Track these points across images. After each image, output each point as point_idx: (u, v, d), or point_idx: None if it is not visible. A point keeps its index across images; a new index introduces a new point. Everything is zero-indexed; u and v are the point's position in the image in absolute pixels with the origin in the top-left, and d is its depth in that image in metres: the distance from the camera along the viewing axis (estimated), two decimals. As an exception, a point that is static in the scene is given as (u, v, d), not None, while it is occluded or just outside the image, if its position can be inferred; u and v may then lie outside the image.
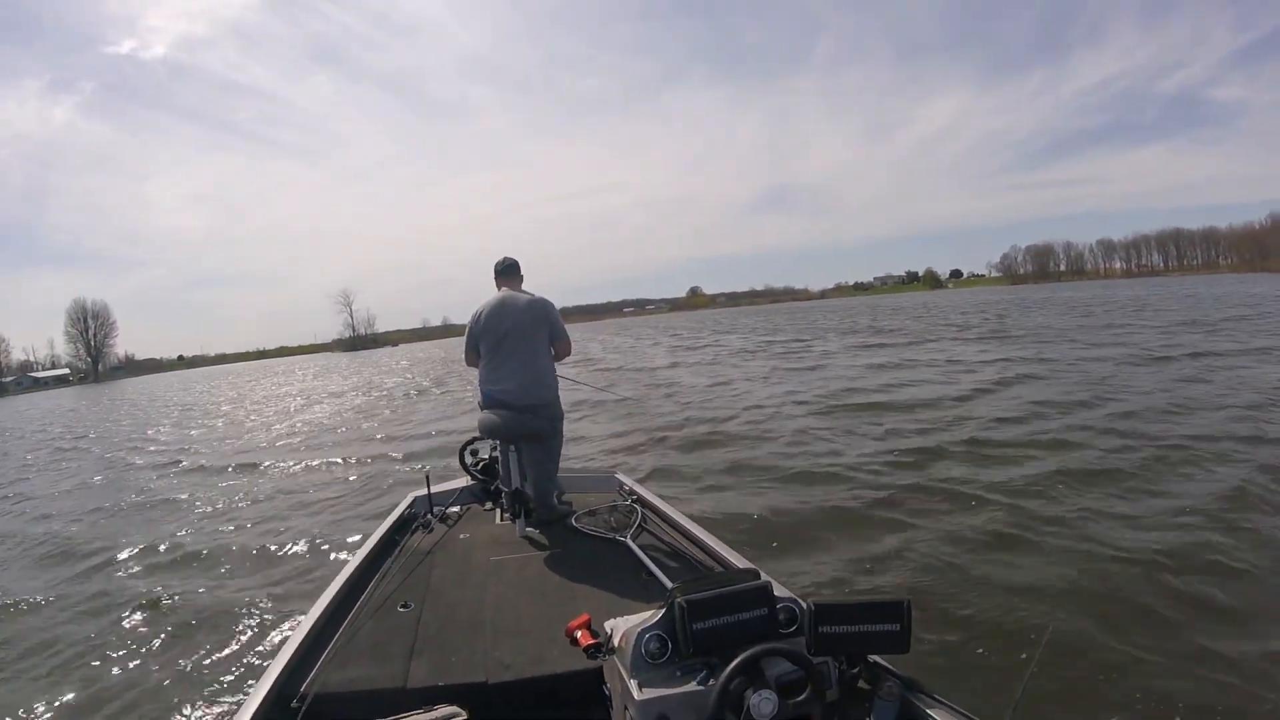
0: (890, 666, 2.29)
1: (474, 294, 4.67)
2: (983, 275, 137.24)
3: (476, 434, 4.82)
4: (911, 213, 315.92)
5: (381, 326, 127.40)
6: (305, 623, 2.83)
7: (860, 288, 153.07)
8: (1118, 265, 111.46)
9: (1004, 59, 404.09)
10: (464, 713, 2.15)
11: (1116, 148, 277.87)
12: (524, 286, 4.54)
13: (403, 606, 3.04)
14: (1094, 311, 35.24)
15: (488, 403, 4.28)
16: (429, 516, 4.29)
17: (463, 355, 4.61)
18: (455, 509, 4.49)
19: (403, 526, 4.23)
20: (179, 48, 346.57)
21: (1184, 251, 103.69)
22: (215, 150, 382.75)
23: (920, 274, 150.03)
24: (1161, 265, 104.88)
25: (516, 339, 4.26)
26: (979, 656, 4.17)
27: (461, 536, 4.04)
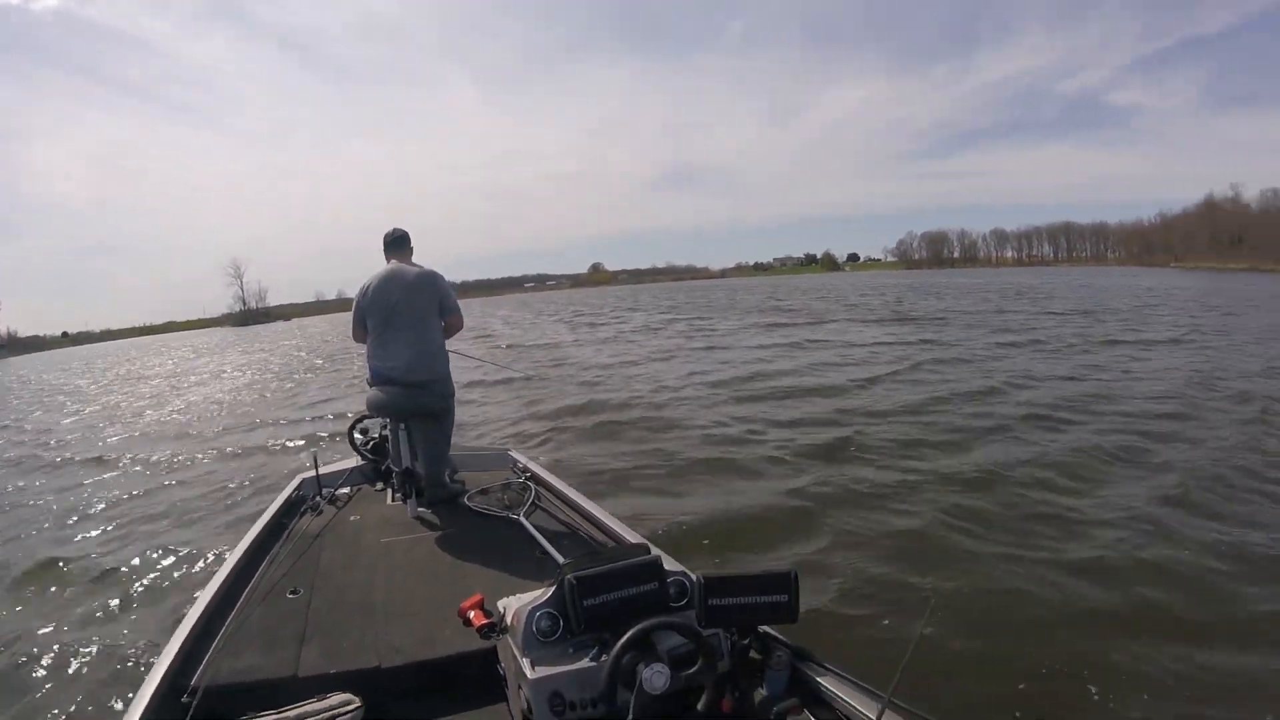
0: (780, 636, 2.34)
1: (370, 266, 4.48)
2: (879, 260, 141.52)
3: (366, 413, 4.70)
4: (812, 196, 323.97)
5: (274, 299, 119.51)
6: (192, 613, 2.71)
7: (760, 268, 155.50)
8: (1009, 254, 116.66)
9: (912, 50, 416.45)
10: (357, 699, 2.12)
11: (1015, 143, 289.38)
12: (417, 259, 4.40)
13: (292, 593, 2.95)
14: (990, 298, 36.70)
15: (376, 380, 4.17)
16: (317, 499, 4.15)
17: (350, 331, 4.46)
18: (345, 490, 4.35)
19: (290, 510, 4.08)
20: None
21: (1074, 244, 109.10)
22: (105, 110, 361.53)
23: (819, 256, 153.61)
24: (1051, 256, 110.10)
25: (405, 313, 4.13)
26: (868, 627, 4.35)
27: (351, 518, 3.94)
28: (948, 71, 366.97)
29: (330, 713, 2.05)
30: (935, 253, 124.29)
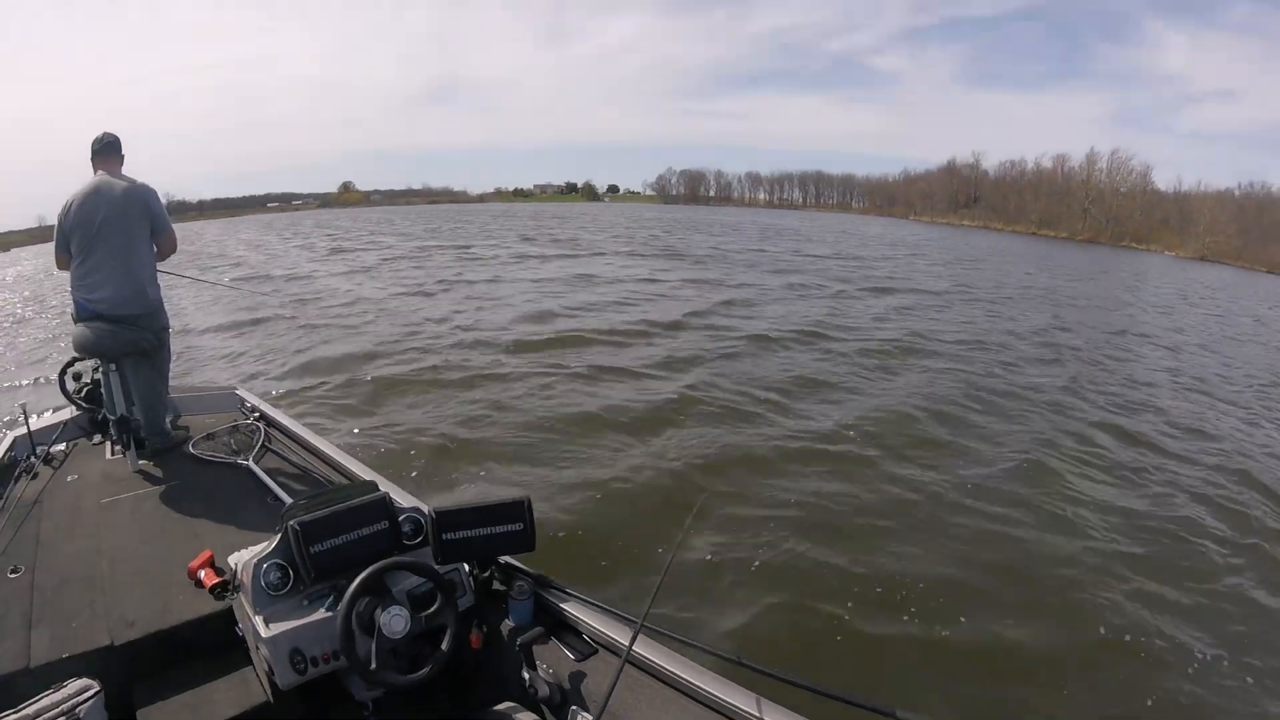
0: (521, 565, 2.39)
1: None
2: (638, 192, 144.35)
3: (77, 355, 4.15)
4: (575, 124, 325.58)
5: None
6: None
7: (520, 194, 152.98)
8: (762, 196, 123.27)
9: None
10: (95, 684, 1.97)
11: (778, 91, 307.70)
12: (141, 173, 3.88)
13: (13, 572, 2.65)
14: (771, 238, 39.02)
15: (82, 314, 3.69)
16: (32, 459, 3.68)
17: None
18: (61, 447, 3.88)
19: (2, 475, 3.58)
20: None
21: (822, 191, 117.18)
22: None
23: (579, 186, 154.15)
24: (801, 201, 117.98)
25: (113, 235, 3.67)
26: (615, 553, 4.59)
27: (69, 479, 3.54)
28: (725, 15, 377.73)
29: (69, 703, 1.91)
30: (692, 190, 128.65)
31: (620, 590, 4.04)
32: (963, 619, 4.15)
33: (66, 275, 3.78)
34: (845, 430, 6.92)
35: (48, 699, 1.91)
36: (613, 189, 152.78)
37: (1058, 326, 14.26)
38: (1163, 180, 73.76)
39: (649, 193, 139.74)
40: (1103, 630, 4.15)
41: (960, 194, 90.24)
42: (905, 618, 4.15)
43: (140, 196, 3.78)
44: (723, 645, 2.00)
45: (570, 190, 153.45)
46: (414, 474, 5.65)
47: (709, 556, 4.53)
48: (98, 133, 3.86)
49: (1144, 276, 32.29)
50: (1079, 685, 3.73)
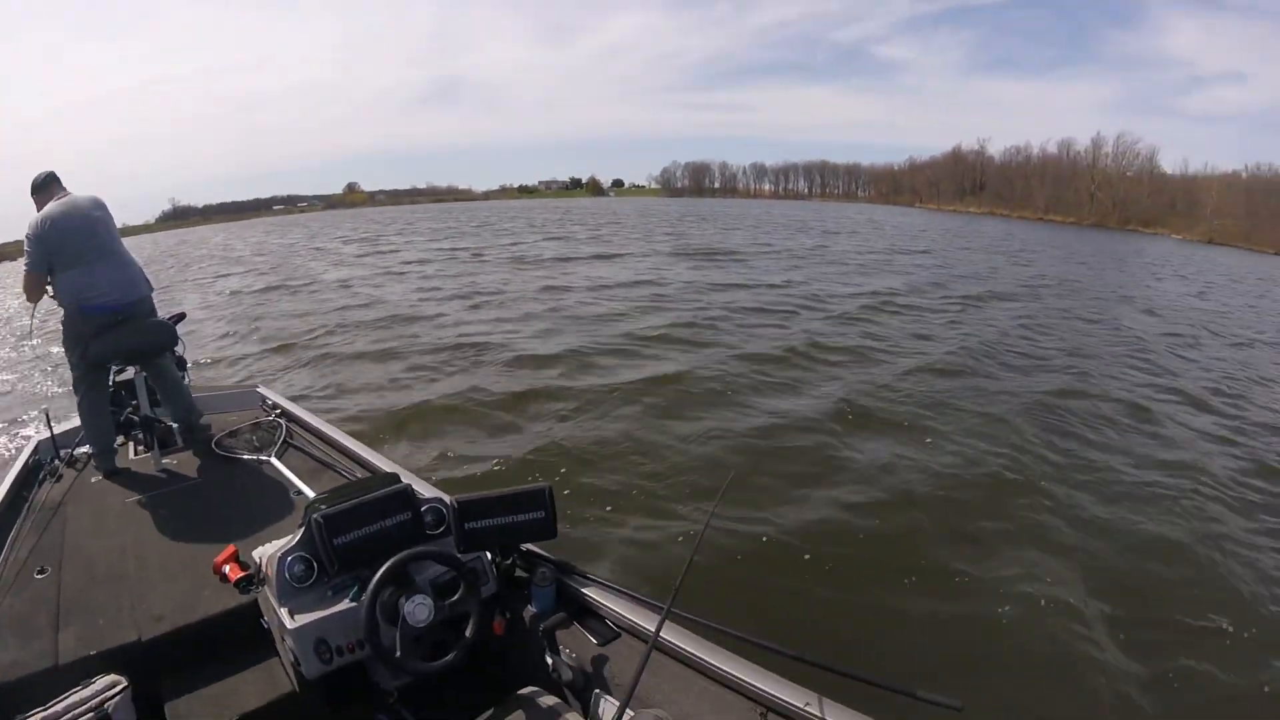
0: (542, 552, 2.42)
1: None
2: (643, 186, 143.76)
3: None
4: (577, 119, 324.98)
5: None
6: None
7: (525, 190, 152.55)
8: (767, 187, 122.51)
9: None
10: (123, 679, 2.02)
11: (784, 82, 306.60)
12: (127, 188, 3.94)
13: (40, 572, 2.70)
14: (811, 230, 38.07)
15: (92, 315, 3.64)
16: (56, 462, 3.75)
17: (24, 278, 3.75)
18: (84, 449, 3.91)
19: (27, 479, 3.66)
20: None
21: (827, 181, 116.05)
22: None
23: (584, 181, 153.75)
24: (806, 191, 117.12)
25: (100, 236, 3.71)
26: (641, 533, 4.57)
27: (93, 480, 3.61)
28: (729, 8, 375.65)
29: (98, 699, 1.94)
30: (697, 182, 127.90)
31: (643, 576, 4.03)
32: (989, 602, 4.12)
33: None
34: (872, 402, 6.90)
35: (76, 695, 1.93)
36: (617, 183, 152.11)
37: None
38: (1169, 164, 73.30)
39: (654, 186, 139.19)
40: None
41: (966, 180, 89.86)
42: (952, 600, 4.12)
43: (102, 202, 3.84)
44: (750, 629, 1.98)
45: (575, 186, 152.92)
46: (436, 464, 5.64)
47: (736, 540, 4.49)
48: (35, 174, 3.84)
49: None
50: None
